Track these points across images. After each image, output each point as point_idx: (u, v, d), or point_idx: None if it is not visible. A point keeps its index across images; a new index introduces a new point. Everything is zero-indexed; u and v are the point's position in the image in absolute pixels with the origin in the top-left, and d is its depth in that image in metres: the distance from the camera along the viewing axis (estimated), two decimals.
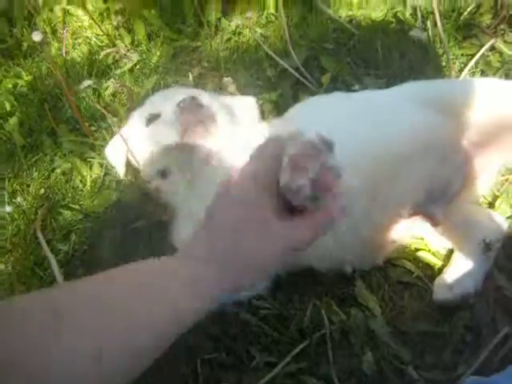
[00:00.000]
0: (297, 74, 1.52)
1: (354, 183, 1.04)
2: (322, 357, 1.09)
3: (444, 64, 1.47)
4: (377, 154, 1.08)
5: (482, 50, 1.42)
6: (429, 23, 1.54)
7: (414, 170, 1.10)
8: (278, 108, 1.50)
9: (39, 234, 1.31)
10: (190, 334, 1.07)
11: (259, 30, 1.71)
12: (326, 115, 1.18)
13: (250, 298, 1.17)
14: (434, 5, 1.40)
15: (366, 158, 1.08)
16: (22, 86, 1.76)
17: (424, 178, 1.11)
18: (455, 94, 1.15)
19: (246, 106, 1.34)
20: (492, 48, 1.49)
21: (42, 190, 1.48)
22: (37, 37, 1.18)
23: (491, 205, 1.24)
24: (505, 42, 1.51)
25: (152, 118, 1.21)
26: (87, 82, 1.36)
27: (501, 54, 1.48)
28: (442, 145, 1.11)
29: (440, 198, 1.15)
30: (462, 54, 1.48)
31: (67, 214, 1.41)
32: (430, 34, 1.52)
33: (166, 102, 1.21)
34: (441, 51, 1.47)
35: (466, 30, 1.52)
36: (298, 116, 1.23)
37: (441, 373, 1.03)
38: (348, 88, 1.47)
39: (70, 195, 1.44)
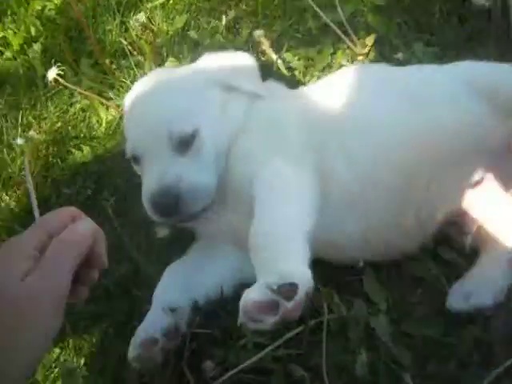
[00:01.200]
0: (337, 29, 1.37)
1: (354, 189, 0.99)
2: (315, 346, 1.02)
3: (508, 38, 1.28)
4: (419, 151, 0.99)
5: None
6: None
7: (457, 171, 1.00)
8: (313, 66, 1.37)
9: (26, 169, 1.24)
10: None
11: None
12: (367, 96, 1.06)
13: None
14: None
15: (406, 154, 0.99)
16: (50, 10, 1.67)
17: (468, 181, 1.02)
18: None
19: (245, 70, 1.14)
20: None
21: (59, 124, 1.42)
22: None
23: None
24: None
25: (134, 161, 1.06)
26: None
27: None
28: (492, 146, 1.01)
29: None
30: None
31: (77, 154, 1.35)
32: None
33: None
34: (505, 23, 1.28)
35: None
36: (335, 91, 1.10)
37: None
38: (392, 54, 1.31)
39: (82, 135, 1.38)
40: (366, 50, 1.35)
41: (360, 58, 1.34)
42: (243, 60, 1.15)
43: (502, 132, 1.01)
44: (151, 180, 0.99)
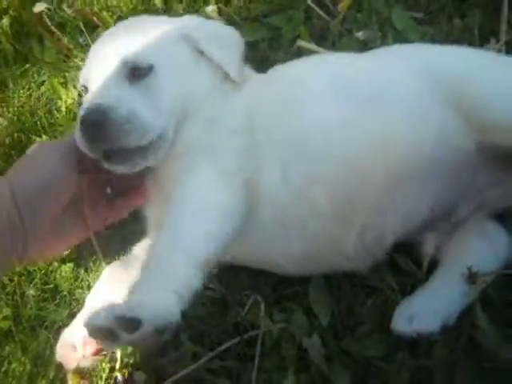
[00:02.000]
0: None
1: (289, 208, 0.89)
2: (249, 360, 0.98)
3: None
4: (364, 167, 0.87)
5: None
6: None
7: (412, 189, 0.89)
8: (281, 37, 1.23)
9: None
10: None
11: None
12: (307, 99, 0.92)
13: None
14: None
15: (349, 170, 0.87)
16: None
17: (425, 200, 0.90)
18: (498, 105, 0.85)
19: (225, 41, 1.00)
20: None
21: (26, 108, 1.39)
22: None
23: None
24: None
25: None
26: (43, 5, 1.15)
27: None
28: (454, 159, 0.88)
29: (440, 224, 0.94)
30: None
31: (38, 140, 1.31)
32: None
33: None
34: None
35: None
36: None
37: None
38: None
39: (44, 119, 1.34)
40: (340, 19, 1.18)
41: (332, 27, 1.18)
42: (228, 32, 1.03)
43: (468, 144, 0.87)
44: (88, 100, 0.90)
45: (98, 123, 0.85)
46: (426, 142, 0.86)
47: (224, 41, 1.00)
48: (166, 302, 0.75)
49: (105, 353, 0.99)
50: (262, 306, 0.99)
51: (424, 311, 0.90)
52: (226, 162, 0.90)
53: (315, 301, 1.00)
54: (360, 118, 0.87)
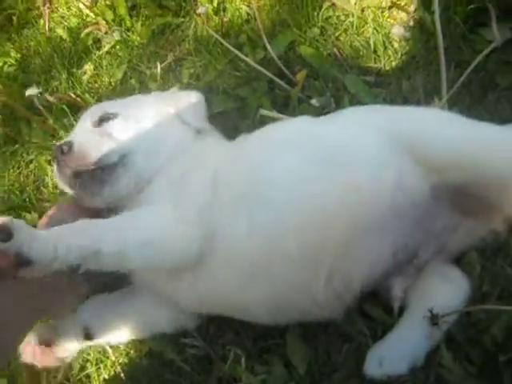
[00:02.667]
0: (266, 72, 1.32)
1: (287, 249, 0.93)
2: None
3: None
4: (329, 217, 0.92)
5: (486, 51, 1.13)
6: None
7: (374, 237, 0.94)
8: (246, 107, 1.33)
9: None
10: None
11: (244, 7, 1.49)
12: (273, 156, 1.01)
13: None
14: None
15: (314, 222, 0.93)
16: (9, 66, 1.72)
17: (387, 246, 0.95)
18: (444, 145, 0.94)
19: (191, 108, 1.17)
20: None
21: (15, 186, 1.48)
22: None
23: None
24: None
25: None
26: (34, 90, 1.26)
27: None
28: (411, 204, 0.94)
29: (406, 268, 0.99)
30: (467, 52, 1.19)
31: (28, 217, 1.39)
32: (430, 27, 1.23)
33: None
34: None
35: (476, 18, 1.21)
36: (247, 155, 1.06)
37: None
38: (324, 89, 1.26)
39: (33, 195, 1.42)
40: (299, 88, 1.29)
41: (293, 94, 1.29)
42: (190, 97, 1.19)
43: (423, 187, 0.94)
44: None
45: (64, 148, 1.04)
46: (385, 191, 0.93)
47: (190, 105, 1.16)
48: (47, 242, 0.82)
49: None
50: (243, 360, 1.05)
51: (392, 355, 0.95)
52: (187, 211, 0.97)
53: (293, 351, 1.05)
54: (321, 173, 0.94)
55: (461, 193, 0.93)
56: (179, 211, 0.96)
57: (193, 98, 1.19)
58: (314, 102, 1.20)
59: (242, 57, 1.33)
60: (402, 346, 0.96)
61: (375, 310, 1.04)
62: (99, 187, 1.05)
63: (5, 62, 1.73)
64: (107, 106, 1.15)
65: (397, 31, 1.20)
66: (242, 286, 0.98)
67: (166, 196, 1.00)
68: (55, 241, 0.83)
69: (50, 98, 1.36)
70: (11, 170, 1.51)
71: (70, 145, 1.05)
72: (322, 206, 0.93)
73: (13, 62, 1.72)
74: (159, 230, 0.94)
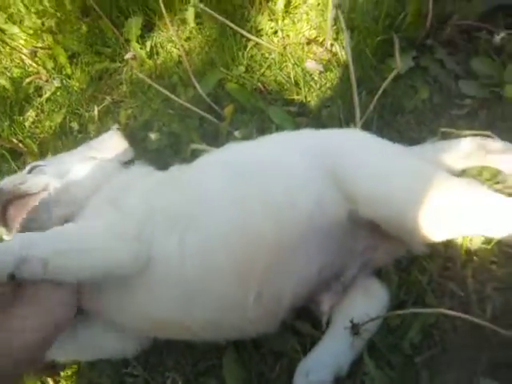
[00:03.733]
0: (196, 109, 1.40)
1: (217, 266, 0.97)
2: None
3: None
4: (251, 240, 0.97)
5: (390, 78, 1.23)
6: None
7: (297, 256, 0.99)
8: (179, 143, 1.40)
9: None
10: None
11: (175, 51, 1.58)
12: (201, 181, 1.07)
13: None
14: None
15: (237, 246, 0.97)
16: None
17: (310, 265, 1.00)
18: (366, 184, 0.99)
19: (111, 145, 1.29)
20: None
21: None
22: None
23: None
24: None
25: None
26: None
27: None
28: (331, 227, 1.00)
29: (333, 284, 1.04)
30: (376, 80, 1.30)
31: None
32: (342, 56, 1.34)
33: None
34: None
35: (383, 49, 1.32)
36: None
37: None
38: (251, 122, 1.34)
39: None
40: (227, 122, 1.37)
41: (222, 129, 1.37)
42: (109, 136, 1.31)
43: (341, 213, 1.00)
44: None
45: None
46: (304, 211, 0.98)
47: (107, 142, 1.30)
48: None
49: None
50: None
51: (317, 366, 1.00)
52: (124, 226, 1.01)
53: (228, 373, 1.09)
54: (246, 192, 1.00)
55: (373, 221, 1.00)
56: (117, 225, 1.00)
57: (111, 136, 1.31)
58: (236, 133, 1.27)
59: (173, 97, 1.40)
60: (326, 356, 1.01)
61: (305, 325, 1.08)
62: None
63: None
64: (39, 163, 1.22)
65: (310, 65, 1.29)
66: (178, 304, 1.00)
67: (103, 212, 1.05)
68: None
69: None
70: None
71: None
72: (247, 225, 0.97)
73: None
74: (95, 240, 0.97)
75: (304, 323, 1.09)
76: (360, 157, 1.04)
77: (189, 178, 1.09)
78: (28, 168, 1.19)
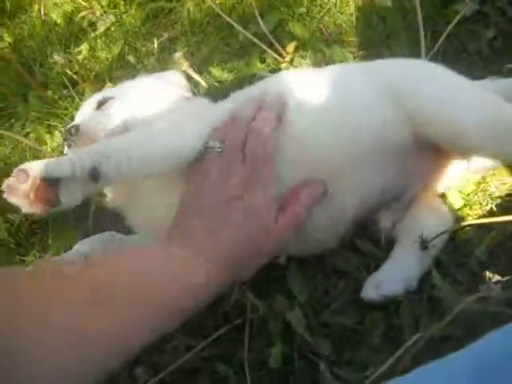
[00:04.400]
0: (260, 43, 1.43)
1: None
2: (239, 344, 1.08)
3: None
4: (326, 147, 1.01)
5: (457, 18, 1.27)
6: None
7: (365, 170, 1.03)
8: (241, 77, 1.43)
9: None
10: None
11: None
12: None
13: None
14: None
15: (314, 151, 1.01)
16: (2, 48, 1.77)
17: (376, 180, 1.05)
18: (431, 106, 1.01)
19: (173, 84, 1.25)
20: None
21: (13, 157, 1.51)
22: None
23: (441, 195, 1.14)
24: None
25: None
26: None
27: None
28: (398, 147, 1.03)
29: (393, 204, 1.09)
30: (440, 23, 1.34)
31: None
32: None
33: None
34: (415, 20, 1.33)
35: None
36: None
37: (353, 370, 0.98)
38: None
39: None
40: (289, 58, 1.40)
41: (284, 65, 1.40)
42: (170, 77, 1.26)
43: (408, 135, 1.02)
44: None
45: (71, 131, 1.08)
46: (375, 133, 1.02)
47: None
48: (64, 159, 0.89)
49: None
50: (248, 293, 1.11)
51: (388, 279, 1.04)
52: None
53: (293, 284, 1.12)
54: (323, 115, 1.03)
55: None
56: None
57: (175, 75, 1.27)
58: (307, 61, 1.31)
59: (239, 28, 1.43)
60: (396, 271, 1.05)
61: (365, 244, 1.12)
62: None
63: None
64: (105, 92, 1.22)
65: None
66: None
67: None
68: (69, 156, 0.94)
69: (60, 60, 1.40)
70: (7, 143, 1.55)
71: (76, 127, 1.09)
72: (327, 136, 1.02)
73: (6, 45, 1.77)
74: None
75: (364, 242, 1.13)
76: (426, 78, 1.08)
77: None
78: (95, 102, 1.17)
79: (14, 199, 0.85)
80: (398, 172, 1.07)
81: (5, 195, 0.85)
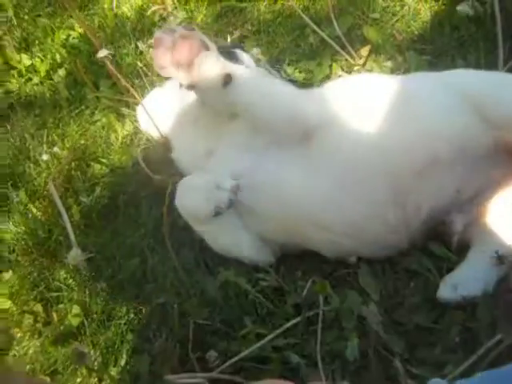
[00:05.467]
0: (334, 44, 1.46)
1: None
2: (311, 336, 1.09)
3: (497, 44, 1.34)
4: (411, 154, 1.05)
5: None
6: None
7: (443, 172, 1.06)
8: (312, 78, 1.46)
9: (52, 188, 1.37)
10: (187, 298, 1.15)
11: None
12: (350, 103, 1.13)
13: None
14: None
15: (395, 153, 1.06)
16: (73, 38, 1.83)
17: (452, 182, 1.07)
18: (508, 107, 1.06)
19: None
20: None
21: (81, 142, 1.55)
22: None
23: None
24: None
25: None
26: (104, 52, 1.34)
27: None
28: (476, 151, 1.06)
29: (466, 207, 1.10)
30: None
31: (96, 167, 1.47)
32: (488, 9, 1.39)
33: None
34: (494, 30, 1.34)
35: None
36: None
37: (428, 370, 0.99)
38: (386, 63, 1.40)
39: (101, 149, 1.50)
40: (362, 61, 1.43)
41: (356, 68, 1.42)
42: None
43: (487, 139, 1.06)
44: None
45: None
46: (454, 138, 1.05)
47: None
48: None
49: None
50: (319, 287, 1.12)
51: (466, 280, 1.05)
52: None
53: (365, 282, 1.13)
54: (407, 118, 1.08)
55: None
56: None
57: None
58: (388, 63, 1.33)
59: (316, 29, 1.46)
60: (474, 273, 1.06)
61: (438, 246, 1.13)
62: None
63: (69, 35, 1.83)
64: None
65: (462, 8, 1.34)
66: (328, 196, 1.08)
67: None
68: None
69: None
70: (77, 128, 1.59)
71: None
72: (407, 144, 1.06)
73: (77, 35, 1.82)
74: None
75: (437, 244, 1.14)
76: (505, 85, 1.11)
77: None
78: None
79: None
80: (473, 175, 1.08)
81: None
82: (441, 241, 1.14)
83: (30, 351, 1.17)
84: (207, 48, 1.06)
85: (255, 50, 1.43)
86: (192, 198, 1.10)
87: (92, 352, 1.15)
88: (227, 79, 1.03)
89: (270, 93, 1.09)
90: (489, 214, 1.11)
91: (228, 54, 1.18)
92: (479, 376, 0.69)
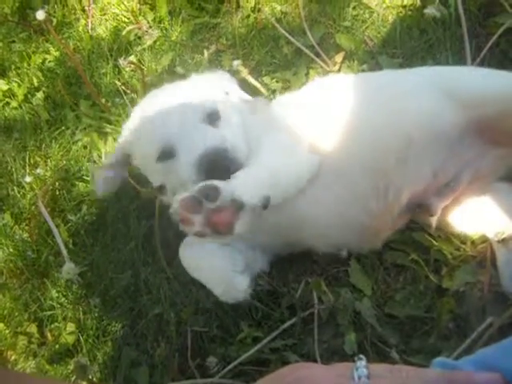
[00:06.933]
0: (309, 53, 1.50)
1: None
2: (308, 335, 1.11)
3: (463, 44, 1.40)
4: (386, 140, 1.10)
5: (501, 29, 1.35)
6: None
7: (418, 156, 1.10)
8: (290, 87, 1.50)
9: (41, 207, 1.37)
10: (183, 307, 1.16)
11: (278, 7, 1.68)
12: (333, 99, 1.19)
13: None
14: None
15: (370, 140, 1.11)
16: (49, 62, 1.83)
17: (429, 167, 1.11)
18: (474, 85, 1.14)
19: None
20: None
21: (63, 162, 1.55)
22: (40, 16, 1.22)
23: None
24: None
25: (164, 157, 1.11)
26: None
27: None
28: (448, 134, 1.10)
29: (443, 191, 1.14)
30: (482, 34, 1.42)
31: (81, 185, 1.47)
32: (452, 11, 1.45)
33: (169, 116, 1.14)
34: (460, 30, 1.41)
35: (488, 8, 1.44)
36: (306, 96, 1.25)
37: (424, 358, 1.01)
38: (360, 68, 1.45)
39: (84, 168, 1.51)
40: (337, 68, 1.47)
41: (331, 74, 1.47)
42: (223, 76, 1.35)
43: (458, 120, 1.10)
44: (195, 147, 1.06)
45: (220, 162, 1.04)
46: (424, 120, 1.11)
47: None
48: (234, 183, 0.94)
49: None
50: (313, 287, 1.14)
51: None
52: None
53: (356, 279, 1.16)
54: (378, 105, 1.14)
55: (490, 126, 1.10)
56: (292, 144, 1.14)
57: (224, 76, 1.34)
58: (362, 67, 1.38)
59: (291, 39, 1.51)
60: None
61: (423, 236, 1.17)
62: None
63: (45, 59, 1.84)
64: (207, 103, 1.16)
65: (429, 11, 1.40)
66: (311, 190, 1.11)
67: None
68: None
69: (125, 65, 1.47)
70: (59, 149, 1.59)
71: (225, 149, 1.06)
72: (383, 132, 1.11)
73: (53, 58, 1.83)
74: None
75: (421, 233, 1.18)
76: (468, 69, 1.27)
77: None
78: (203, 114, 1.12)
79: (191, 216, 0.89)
80: (448, 159, 1.13)
81: (180, 206, 0.89)
82: (421, 227, 1.18)
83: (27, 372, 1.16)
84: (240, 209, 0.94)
85: (235, 62, 1.47)
86: (207, 278, 1.14)
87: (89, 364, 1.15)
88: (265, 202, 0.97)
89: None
90: (465, 196, 1.16)
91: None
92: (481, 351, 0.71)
